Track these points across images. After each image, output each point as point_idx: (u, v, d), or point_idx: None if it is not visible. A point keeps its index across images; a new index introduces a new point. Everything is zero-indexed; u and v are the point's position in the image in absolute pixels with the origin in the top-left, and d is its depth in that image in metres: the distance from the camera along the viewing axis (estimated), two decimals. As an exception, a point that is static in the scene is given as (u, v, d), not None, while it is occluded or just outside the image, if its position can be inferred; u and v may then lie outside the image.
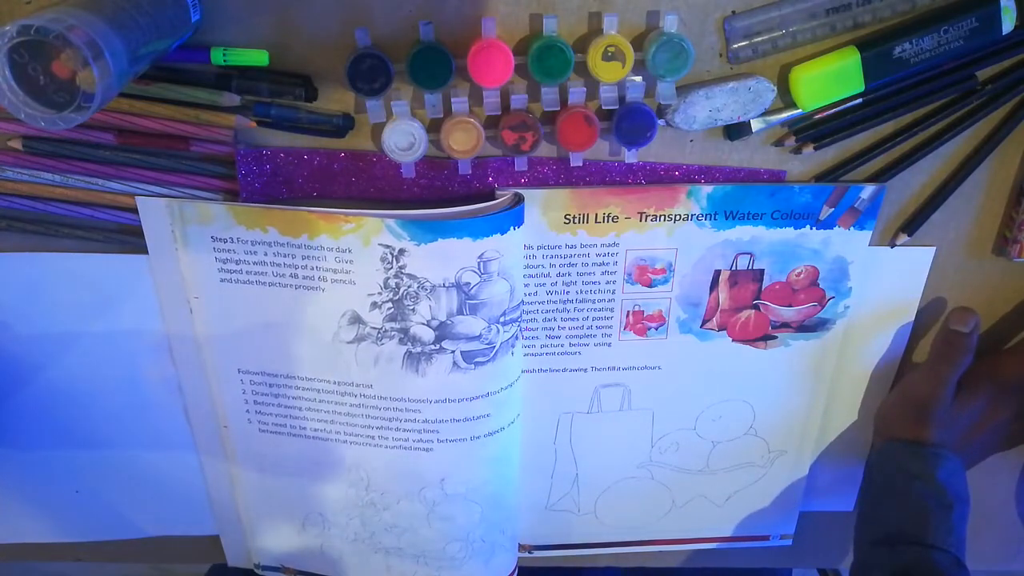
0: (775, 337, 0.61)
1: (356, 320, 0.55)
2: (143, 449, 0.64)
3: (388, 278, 0.53)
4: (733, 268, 0.57)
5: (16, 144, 0.52)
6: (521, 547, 0.71)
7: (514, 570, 0.70)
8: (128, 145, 0.52)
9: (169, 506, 0.68)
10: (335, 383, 0.58)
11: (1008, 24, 0.50)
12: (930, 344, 0.61)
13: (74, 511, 0.68)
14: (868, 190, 0.54)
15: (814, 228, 0.56)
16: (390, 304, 0.54)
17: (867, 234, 0.56)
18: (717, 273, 0.58)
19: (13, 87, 0.37)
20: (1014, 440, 0.64)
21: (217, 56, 0.48)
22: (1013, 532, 0.72)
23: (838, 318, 0.60)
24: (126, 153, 0.52)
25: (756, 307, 0.59)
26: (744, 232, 0.56)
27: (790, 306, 0.59)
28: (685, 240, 0.56)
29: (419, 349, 0.55)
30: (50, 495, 0.67)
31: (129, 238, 0.55)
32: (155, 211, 0.53)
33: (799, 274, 0.58)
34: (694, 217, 0.55)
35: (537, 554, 0.72)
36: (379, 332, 0.55)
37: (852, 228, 0.56)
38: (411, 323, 0.54)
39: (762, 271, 0.58)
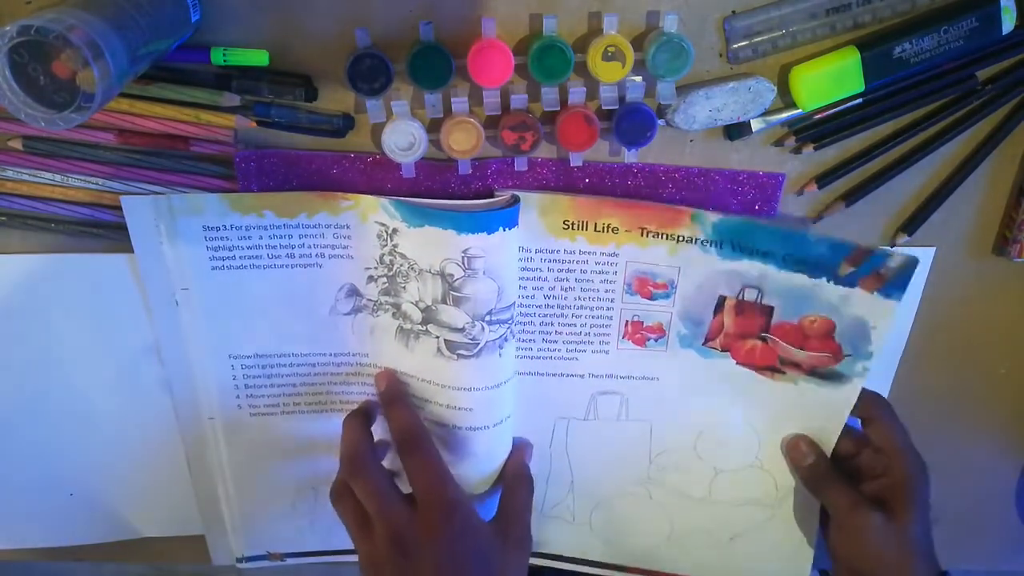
0: (783, 372, 0.57)
1: (353, 292, 0.56)
2: (135, 449, 0.64)
3: (383, 254, 0.54)
4: (740, 298, 0.55)
5: (16, 144, 0.52)
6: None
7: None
8: (128, 145, 0.52)
9: (163, 506, 0.67)
10: (331, 355, 0.59)
11: (1008, 24, 0.50)
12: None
13: (70, 514, 0.68)
14: (897, 258, 0.49)
15: (831, 283, 0.52)
16: (385, 279, 0.55)
17: (893, 304, 0.50)
18: (722, 299, 0.55)
19: (13, 87, 0.37)
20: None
21: (217, 56, 0.48)
22: (1013, 532, 0.72)
23: (855, 376, 0.55)
24: (126, 153, 0.52)
25: (763, 339, 0.56)
26: (752, 267, 0.53)
27: (802, 348, 0.55)
28: (688, 262, 0.54)
29: (409, 326, 0.56)
30: (45, 499, 0.67)
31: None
32: (139, 208, 0.52)
33: (812, 322, 0.54)
34: (699, 241, 0.53)
35: (531, 560, 0.71)
36: (375, 304, 0.56)
37: (876, 294, 0.52)
38: (402, 300, 0.55)
39: (771, 308, 0.54)
